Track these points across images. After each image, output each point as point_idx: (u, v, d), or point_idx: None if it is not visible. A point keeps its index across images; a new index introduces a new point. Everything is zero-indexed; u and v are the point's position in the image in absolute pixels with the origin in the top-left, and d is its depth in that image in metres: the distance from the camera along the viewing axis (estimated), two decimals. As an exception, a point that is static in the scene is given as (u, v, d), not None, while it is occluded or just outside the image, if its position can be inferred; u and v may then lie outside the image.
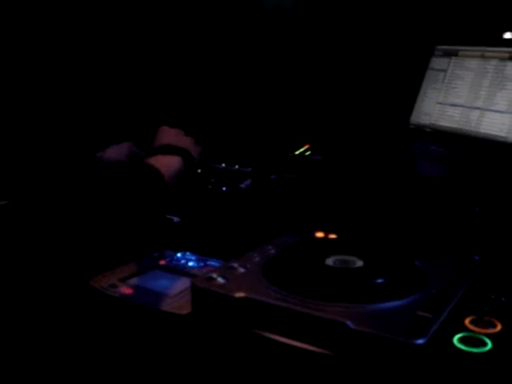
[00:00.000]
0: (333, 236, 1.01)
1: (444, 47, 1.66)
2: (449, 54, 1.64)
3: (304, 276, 0.85)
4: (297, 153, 1.50)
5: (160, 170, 1.07)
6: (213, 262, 1.05)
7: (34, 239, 1.09)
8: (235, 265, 0.89)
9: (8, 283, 0.97)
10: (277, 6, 1.79)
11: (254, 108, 1.70)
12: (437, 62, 1.66)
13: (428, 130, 1.59)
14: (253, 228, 1.16)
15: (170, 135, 1.21)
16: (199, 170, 1.41)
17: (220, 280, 0.84)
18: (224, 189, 1.31)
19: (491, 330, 0.77)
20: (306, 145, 1.54)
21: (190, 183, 1.35)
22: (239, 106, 1.71)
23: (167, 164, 1.12)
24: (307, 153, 1.50)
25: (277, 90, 1.76)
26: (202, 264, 1.05)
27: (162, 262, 1.07)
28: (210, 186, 1.33)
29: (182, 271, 1.03)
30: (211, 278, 0.84)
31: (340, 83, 1.73)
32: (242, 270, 0.87)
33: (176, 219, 1.19)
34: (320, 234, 1.02)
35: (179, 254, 1.09)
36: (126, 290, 0.95)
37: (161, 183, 1.06)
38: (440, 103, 1.60)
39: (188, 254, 1.09)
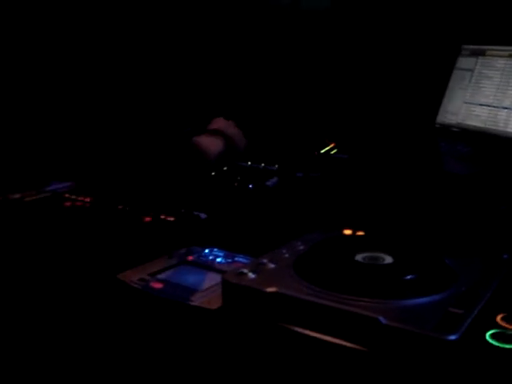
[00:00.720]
0: (361, 233, 1.01)
1: (471, 47, 1.65)
2: (476, 54, 1.64)
3: (335, 272, 0.85)
4: (322, 151, 1.50)
5: (202, 146, 1.30)
6: (240, 259, 1.05)
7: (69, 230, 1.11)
8: (265, 260, 0.89)
9: (38, 272, 0.98)
10: (312, 7, 1.79)
11: (281, 107, 1.71)
12: (463, 62, 1.66)
13: (455, 129, 1.59)
14: (279, 225, 1.17)
15: (220, 123, 1.44)
16: (225, 168, 1.41)
17: (251, 275, 0.84)
18: (250, 186, 1.32)
19: (523, 327, 0.77)
20: (331, 143, 1.54)
21: (217, 181, 1.36)
22: (266, 105, 1.71)
23: (210, 143, 1.37)
24: (333, 151, 1.51)
25: (304, 88, 1.77)
26: (229, 260, 1.05)
27: (190, 258, 1.07)
28: (236, 184, 1.34)
29: (211, 267, 1.03)
30: (242, 273, 0.85)
31: (367, 82, 1.73)
32: (272, 265, 0.88)
33: (203, 216, 1.20)
34: (348, 232, 1.02)
35: (207, 250, 1.09)
36: (156, 285, 0.95)
37: (202, 158, 1.31)
38: (467, 103, 1.60)
39: (215, 250, 1.10)
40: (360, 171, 1.35)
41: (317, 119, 1.69)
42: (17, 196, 1.28)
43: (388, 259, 0.88)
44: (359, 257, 0.88)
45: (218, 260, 1.06)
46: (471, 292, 0.80)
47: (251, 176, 1.36)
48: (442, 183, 1.21)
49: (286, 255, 0.92)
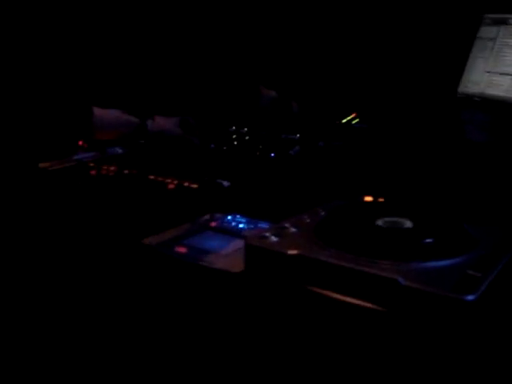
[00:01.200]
0: (381, 199, 1.03)
1: (493, 16, 1.65)
2: (498, 23, 1.63)
3: (355, 235, 0.86)
4: (344, 121, 1.51)
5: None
6: (263, 225, 1.07)
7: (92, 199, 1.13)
8: (287, 225, 0.91)
9: (65, 240, 1.01)
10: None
11: (303, 78, 1.71)
12: (485, 31, 1.65)
13: (476, 98, 1.59)
14: (301, 193, 1.18)
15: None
16: (247, 137, 1.43)
17: (273, 238, 0.86)
18: (273, 155, 1.33)
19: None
20: (353, 113, 1.55)
21: (239, 150, 1.38)
22: (288, 76, 1.72)
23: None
24: (354, 121, 1.52)
25: (325, 59, 1.77)
26: (252, 226, 1.07)
27: (213, 224, 1.09)
28: (258, 153, 1.35)
29: (233, 232, 1.05)
30: (264, 237, 0.87)
31: (388, 52, 1.73)
32: (293, 229, 0.90)
33: (226, 184, 1.22)
34: (369, 199, 1.04)
35: (230, 217, 1.11)
36: (180, 249, 0.98)
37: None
38: (488, 72, 1.60)
39: (238, 216, 1.12)
40: (381, 140, 1.36)
41: (338, 89, 1.70)
42: (45, 165, 1.31)
43: (408, 223, 0.89)
44: (379, 221, 0.90)
45: (241, 226, 1.08)
46: (490, 257, 0.82)
47: (273, 145, 1.37)
48: (463, 151, 1.21)
49: (308, 220, 0.93)
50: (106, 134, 1.38)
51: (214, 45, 1.65)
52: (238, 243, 0.96)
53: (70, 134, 1.33)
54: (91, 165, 1.34)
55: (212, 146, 1.41)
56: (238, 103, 1.42)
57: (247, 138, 1.40)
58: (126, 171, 1.29)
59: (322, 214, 0.96)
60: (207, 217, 1.11)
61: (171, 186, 1.19)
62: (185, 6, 1.65)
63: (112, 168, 1.31)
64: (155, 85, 1.54)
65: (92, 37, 1.43)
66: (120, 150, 1.46)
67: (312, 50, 1.78)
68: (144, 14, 1.60)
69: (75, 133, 1.33)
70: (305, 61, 1.76)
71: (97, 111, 1.32)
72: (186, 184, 1.20)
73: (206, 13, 1.67)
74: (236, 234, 1.04)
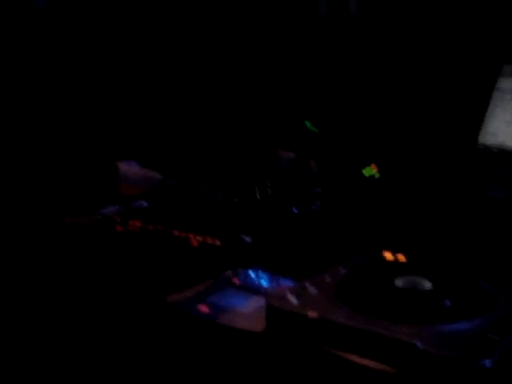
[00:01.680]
0: (401, 257, 1.04)
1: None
2: (517, 74, 1.65)
3: (374, 297, 0.88)
4: (365, 173, 1.53)
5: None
6: (285, 281, 1.09)
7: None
8: (308, 285, 0.93)
9: (90, 295, 1.03)
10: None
11: (320, 134, 1.74)
12: (504, 82, 1.67)
13: (495, 150, 1.60)
14: (323, 248, 1.20)
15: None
16: (269, 191, 1.45)
17: (294, 299, 0.88)
18: (295, 210, 1.35)
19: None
20: (374, 166, 1.57)
21: (262, 204, 1.40)
22: (305, 135, 1.74)
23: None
24: (375, 174, 1.53)
25: (346, 111, 1.79)
26: (274, 282, 1.09)
27: (236, 280, 1.11)
28: (280, 208, 1.37)
29: (256, 289, 1.07)
30: (285, 297, 0.89)
31: (407, 104, 1.75)
32: (314, 290, 0.91)
33: (248, 239, 1.24)
34: (389, 255, 1.05)
35: (252, 272, 1.13)
36: (203, 308, 1.00)
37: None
38: (508, 123, 1.61)
39: (260, 272, 1.14)
40: (403, 194, 1.38)
41: (359, 141, 1.72)
42: (71, 219, 1.34)
43: (426, 284, 0.91)
44: (399, 281, 0.91)
45: (263, 282, 1.10)
46: (508, 318, 0.83)
47: (295, 200, 1.39)
48: (482, 206, 1.23)
49: (328, 279, 0.95)
50: (131, 189, 1.41)
51: (233, 111, 1.68)
52: (260, 301, 0.98)
53: (96, 189, 1.36)
54: (117, 219, 1.36)
55: (235, 200, 1.43)
56: (257, 168, 1.45)
57: (270, 192, 1.43)
58: (150, 226, 1.31)
59: (342, 272, 0.98)
60: (230, 273, 1.13)
61: (195, 243, 1.21)
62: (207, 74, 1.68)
63: (137, 223, 1.34)
64: (178, 143, 1.57)
65: (119, 96, 1.47)
66: (145, 203, 1.49)
67: (326, 104, 1.81)
68: (169, 79, 1.64)
69: (100, 188, 1.36)
70: (321, 116, 1.78)
71: (122, 167, 1.35)
72: (209, 240, 1.22)
73: (224, 78, 1.70)
74: (258, 290, 1.06)
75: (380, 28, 1.81)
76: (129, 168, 1.40)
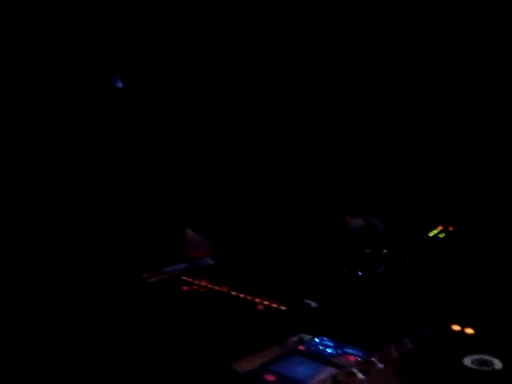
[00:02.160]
0: (469, 331, 1.03)
1: None
2: None
3: (442, 376, 0.87)
4: (431, 235, 1.52)
5: None
6: (350, 350, 1.08)
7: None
8: (374, 359, 0.92)
9: (154, 358, 1.04)
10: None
11: (389, 190, 1.74)
12: None
13: None
14: (389, 314, 1.19)
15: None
16: (336, 256, 1.45)
17: (360, 376, 0.88)
18: (360, 273, 1.35)
19: None
20: (439, 226, 1.56)
21: (327, 266, 1.41)
22: (373, 200, 1.74)
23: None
24: (442, 235, 1.52)
25: (411, 172, 1.79)
26: (339, 351, 1.09)
27: (301, 348, 1.11)
28: (345, 270, 1.37)
29: (321, 358, 1.07)
30: (352, 373, 0.88)
31: (474, 167, 1.74)
32: (380, 365, 0.91)
33: (314, 304, 1.24)
34: (457, 328, 1.04)
35: (317, 340, 1.13)
36: (269, 377, 1.00)
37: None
38: None
39: (325, 339, 1.13)
40: (470, 258, 1.36)
41: (425, 200, 1.71)
42: (145, 276, 1.37)
43: (496, 363, 0.89)
44: (467, 360, 0.90)
45: (328, 351, 1.09)
46: None
47: (360, 262, 1.39)
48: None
49: (395, 353, 0.95)
50: (197, 252, 1.43)
51: (301, 178, 1.70)
52: (326, 371, 0.98)
53: (164, 251, 1.39)
54: (183, 278, 1.39)
55: (302, 263, 1.44)
56: (325, 234, 1.46)
57: (336, 256, 1.43)
58: (216, 287, 1.33)
59: (409, 346, 0.97)
60: (295, 339, 1.13)
61: (260, 308, 1.22)
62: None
63: (203, 282, 1.36)
64: (246, 208, 1.59)
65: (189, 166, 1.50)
66: (211, 262, 1.51)
67: (396, 163, 1.81)
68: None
69: (168, 249, 1.39)
70: (388, 177, 1.78)
71: (189, 232, 1.39)
72: (274, 305, 1.23)
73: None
74: (324, 359, 1.06)
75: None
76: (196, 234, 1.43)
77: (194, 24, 1.48)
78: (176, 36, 1.45)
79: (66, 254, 1.28)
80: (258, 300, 1.26)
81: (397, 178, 1.79)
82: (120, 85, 1.26)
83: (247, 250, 1.49)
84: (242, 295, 1.28)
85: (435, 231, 1.54)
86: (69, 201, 1.28)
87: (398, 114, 1.86)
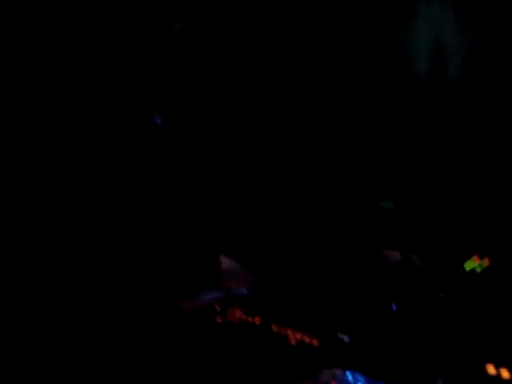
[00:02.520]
0: (505, 373, 1.01)
1: None
2: None
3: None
4: (467, 268, 1.50)
5: None
6: (382, 387, 1.08)
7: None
8: (406, 401, 0.92)
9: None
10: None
11: (426, 221, 1.72)
12: None
13: None
14: (422, 351, 1.18)
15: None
16: (373, 290, 1.44)
17: (392, 419, 0.87)
18: (394, 307, 1.34)
19: None
20: (476, 258, 1.53)
21: (360, 297, 1.40)
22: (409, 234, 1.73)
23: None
24: (478, 268, 1.50)
25: (446, 203, 1.77)
26: (371, 388, 1.08)
27: (333, 383, 1.11)
28: (379, 302, 1.36)
29: (353, 395, 1.06)
30: (383, 416, 0.88)
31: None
32: (413, 407, 0.90)
33: (346, 339, 1.23)
34: (492, 370, 1.02)
35: (349, 375, 1.13)
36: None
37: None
38: None
39: (357, 375, 1.13)
40: (508, 294, 1.34)
41: (461, 231, 1.69)
42: (180, 305, 1.37)
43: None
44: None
45: (360, 387, 1.09)
46: None
47: (394, 295, 1.38)
48: None
49: (427, 395, 0.94)
50: (231, 281, 1.44)
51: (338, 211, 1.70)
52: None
53: (198, 280, 1.39)
54: (217, 308, 1.39)
55: (336, 296, 1.43)
56: (361, 267, 1.45)
57: (373, 290, 1.42)
58: (249, 318, 1.33)
59: (443, 388, 0.96)
60: (328, 374, 1.13)
61: (293, 341, 1.22)
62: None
63: (237, 312, 1.36)
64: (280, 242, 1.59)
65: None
66: (245, 291, 1.51)
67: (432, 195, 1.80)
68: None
69: (203, 278, 1.40)
70: (424, 208, 1.77)
71: (224, 262, 1.39)
72: (307, 339, 1.22)
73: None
74: (356, 396, 1.06)
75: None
76: (230, 261, 1.43)
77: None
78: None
79: (105, 280, 1.30)
80: (291, 333, 1.25)
81: (433, 208, 1.77)
82: (159, 121, 1.29)
83: (282, 279, 1.49)
84: (275, 327, 1.28)
85: (471, 263, 1.51)
86: (107, 229, 1.30)
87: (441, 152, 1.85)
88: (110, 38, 1.29)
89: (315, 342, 1.21)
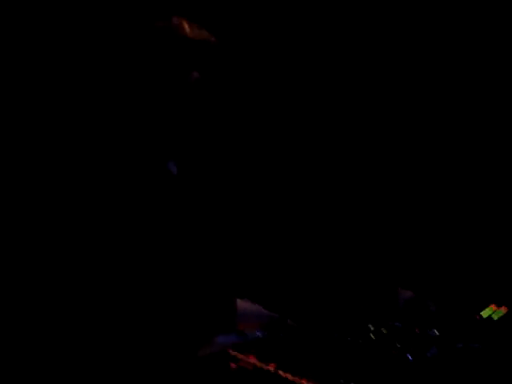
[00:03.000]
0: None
1: None
2: None
3: None
4: (484, 315, 1.48)
5: None
6: None
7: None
8: None
9: None
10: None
11: (439, 273, 1.71)
12: None
13: None
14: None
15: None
16: (384, 330, 1.43)
17: None
18: (410, 358, 1.32)
19: None
20: (493, 305, 1.51)
21: (375, 345, 1.38)
22: (424, 273, 1.72)
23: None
24: (495, 316, 1.48)
25: (462, 248, 1.77)
26: None
27: None
28: (394, 352, 1.35)
29: None
30: None
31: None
32: None
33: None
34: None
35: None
36: None
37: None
38: None
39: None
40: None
41: (477, 278, 1.68)
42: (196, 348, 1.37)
43: None
44: None
45: None
46: None
47: (410, 343, 1.36)
48: None
49: None
50: (246, 324, 1.43)
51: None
52: None
53: (215, 324, 1.39)
54: (231, 353, 1.38)
55: (349, 338, 1.42)
56: (375, 306, 1.45)
57: (383, 331, 1.40)
58: (263, 365, 1.32)
59: None
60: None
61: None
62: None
63: (251, 359, 1.35)
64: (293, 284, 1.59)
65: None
66: (259, 334, 1.50)
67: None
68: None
69: (219, 323, 1.39)
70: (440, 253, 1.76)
71: (240, 305, 1.38)
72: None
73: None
74: None
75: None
76: (246, 305, 1.43)
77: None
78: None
79: (121, 325, 1.30)
80: (304, 382, 1.25)
81: (449, 255, 1.77)
82: (174, 170, 1.30)
83: (297, 322, 1.48)
84: (288, 376, 1.27)
85: (488, 311, 1.50)
86: (121, 272, 1.30)
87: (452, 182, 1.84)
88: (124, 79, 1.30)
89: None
